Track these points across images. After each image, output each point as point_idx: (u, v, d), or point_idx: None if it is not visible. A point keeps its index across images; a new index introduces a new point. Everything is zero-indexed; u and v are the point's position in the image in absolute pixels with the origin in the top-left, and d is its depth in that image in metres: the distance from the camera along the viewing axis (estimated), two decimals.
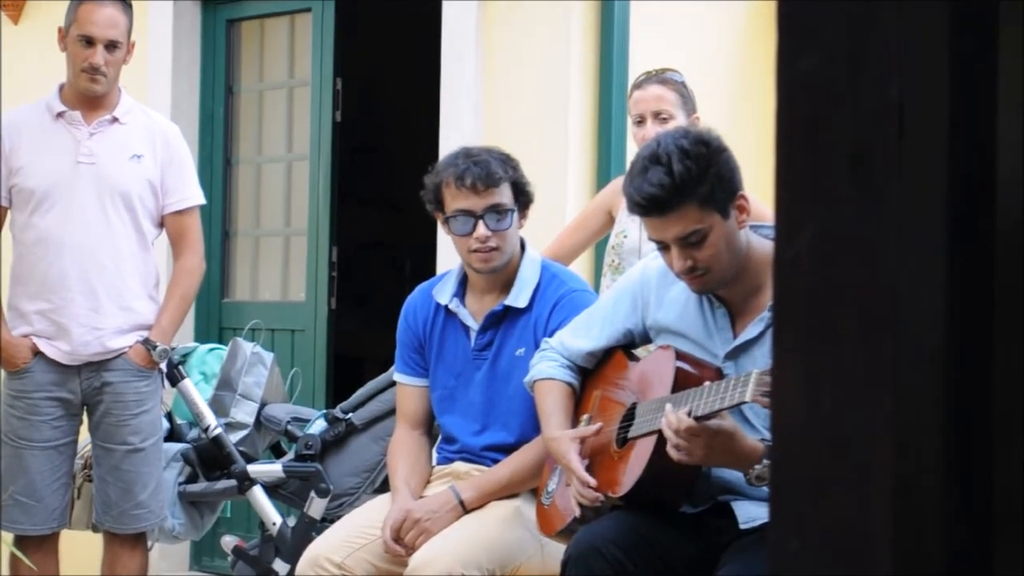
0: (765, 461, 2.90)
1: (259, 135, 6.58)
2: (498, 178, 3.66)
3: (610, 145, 5.25)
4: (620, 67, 5.27)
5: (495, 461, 3.71)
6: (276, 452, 4.84)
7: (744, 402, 2.81)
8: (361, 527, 3.69)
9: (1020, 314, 1.10)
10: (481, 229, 3.65)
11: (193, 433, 4.70)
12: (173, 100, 6.36)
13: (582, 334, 3.43)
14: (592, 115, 5.30)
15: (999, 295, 1.08)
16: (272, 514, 4.50)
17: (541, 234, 4.46)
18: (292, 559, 4.22)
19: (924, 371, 1.08)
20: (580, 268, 4.73)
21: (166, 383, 4.60)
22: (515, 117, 5.35)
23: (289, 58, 6.46)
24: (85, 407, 4.52)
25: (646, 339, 3.36)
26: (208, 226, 6.03)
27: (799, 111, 1.12)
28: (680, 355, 3.12)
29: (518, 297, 3.71)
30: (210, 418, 4.57)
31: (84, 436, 4.60)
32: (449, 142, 5.12)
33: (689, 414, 2.90)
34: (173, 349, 4.57)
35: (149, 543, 4.61)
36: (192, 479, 4.65)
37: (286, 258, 6.49)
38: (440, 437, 3.92)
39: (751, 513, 3.06)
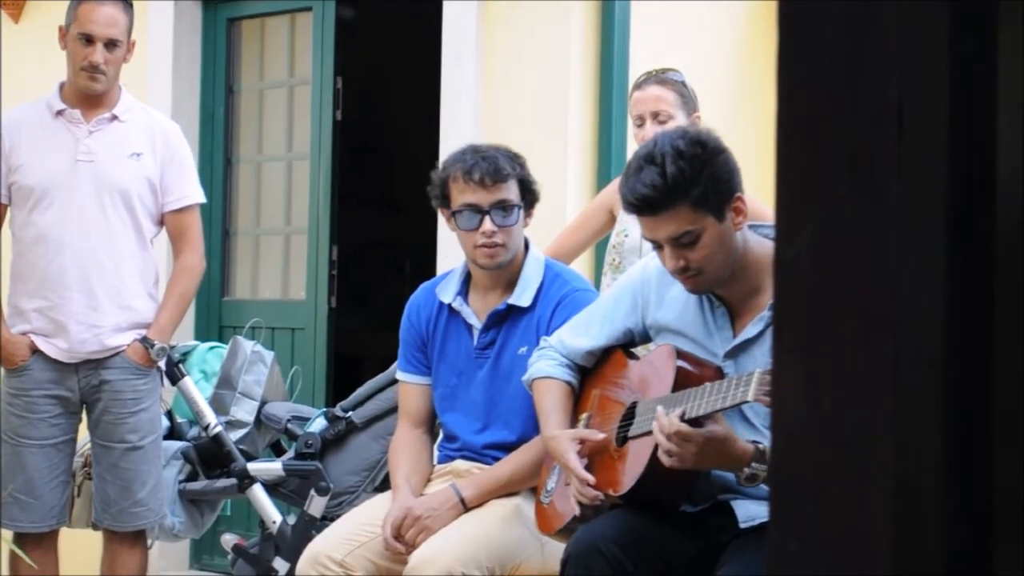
0: (754, 464, 2.91)
1: (259, 134, 6.57)
2: (506, 174, 3.67)
3: (610, 145, 5.25)
4: (620, 67, 5.27)
5: (496, 459, 3.71)
6: (276, 450, 4.84)
7: (746, 401, 2.82)
8: (361, 525, 3.70)
9: (1020, 314, 1.10)
10: (487, 224, 3.66)
11: (193, 431, 4.70)
12: (174, 99, 6.35)
13: (582, 333, 3.43)
14: (592, 115, 5.30)
15: (999, 295, 1.09)
16: (272, 512, 4.50)
17: (541, 234, 4.46)
18: (292, 557, 4.23)
19: (924, 371, 1.08)
20: (581, 267, 4.73)
21: (166, 381, 4.60)
22: (515, 117, 5.35)
23: (289, 57, 6.46)
24: (84, 405, 4.52)
25: (646, 338, 3.36)
26: (208, 225, 6.03)
27: (799, 111, 1.12)
28: (680, 354, 3.12)
29: (521, 296, 3.72)
30: (210, 416, 4.57)
31: (84, 434, 4.60)
32: (449, 143, 5.12)
33: (683, 415, 2.91)
34: (172, 347, 4.57)
35: (149, 541, 4.61)
36: (192, 477, 4.65)
37: (286, 257, 6.49)
38: (441, 435, 3.92)
39: (751, 512, 3.06)
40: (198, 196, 4.63)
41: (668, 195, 2.97)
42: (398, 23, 8.20)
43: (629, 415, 3.21)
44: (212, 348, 4.88)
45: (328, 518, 4.29)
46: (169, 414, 4.72)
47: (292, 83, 6.44)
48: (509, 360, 3.71)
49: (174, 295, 4.55)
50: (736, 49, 5.93)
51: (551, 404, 3.40)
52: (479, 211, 3.67)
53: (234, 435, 4.62)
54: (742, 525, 3.06)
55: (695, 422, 2.92)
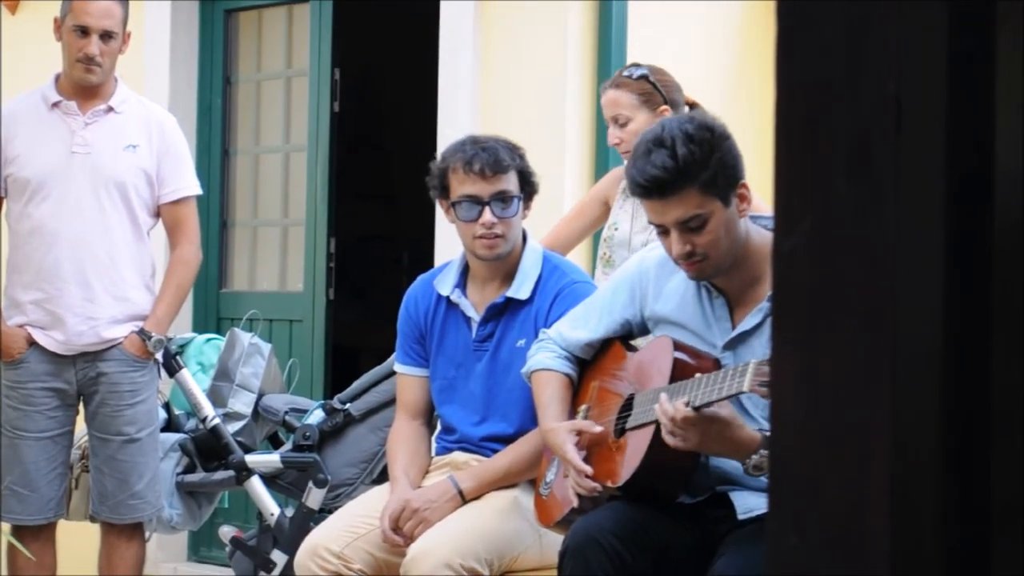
0: (762, 451, 2.90)
1: (257, 125, 6.57)
2: (506, 165, 3.67)
3: (607, 143, 5.25)
4: (618, 64, 5.26)
5: (494, 451, 3.71)
6: (274, 442, 4.84)
7: (742, 392, 2.82)
8: (360, 517, 3.70)
9: (1018, 309, 1.10)
10: (487, 215, 3.66)
11: (191, 423, 4.70)
12: (171, 90, 6.35)
13: (580, 325, 3.43)
14: (589, 111, 5.30)
15: (997, 290, 1.08)
16: (270, 504, 4.50)
17: (540, 229, 4.46)
18: (290, 549, 4.23)
19: (922, 366, 1.08)
20: (577, 259, 4.73)
21: (163, 373, 4.60)
22: (512, 110, 5.35)
23: (287, 49, 6.45)
24: (81, 397, 4.52)
25: (644, 330, 3.36)
26: (206, 216, 6.03)
27: (797, 107, 1.11)
28: (678, 345, 3.12)
29: (520, 289, 3.71)
30: (208, 408, 4.57)
31: (81, 426, 4.60)
32: (446, 135, 5.12)
33: (687, 403, 2.91)
34: (169, 339, 4.57)
35: (146, 533, 4.61)
36: (190, 469, 4.65)
37: (284, 248, 6.49)
38: (439, 427, 3.92)
39: (749, 504, 3.06)
40: (194, 188, 4.63)
41: (679, 177, 2.97)
42: (396, 15, 8.19)
43: (627, 407, 3.21)
44: (209, 340, 4.88)
45: (326, 510, 4.29)
46: (167, 406, 4.72)
47: (290, 75, 6.44)
48: (507, 352, 3.71)
49: (171, 287, 4.55)
50: (734, 45, 5.92)
51: (550, 396, 3.40)
52: (479, 202, 3.66)
53: (232, 427, 4.61)
54: (740, 516, 3.06)
55: (697, 410, 2.92)
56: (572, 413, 3.40)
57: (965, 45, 1.05)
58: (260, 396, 4.71)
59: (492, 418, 3.75)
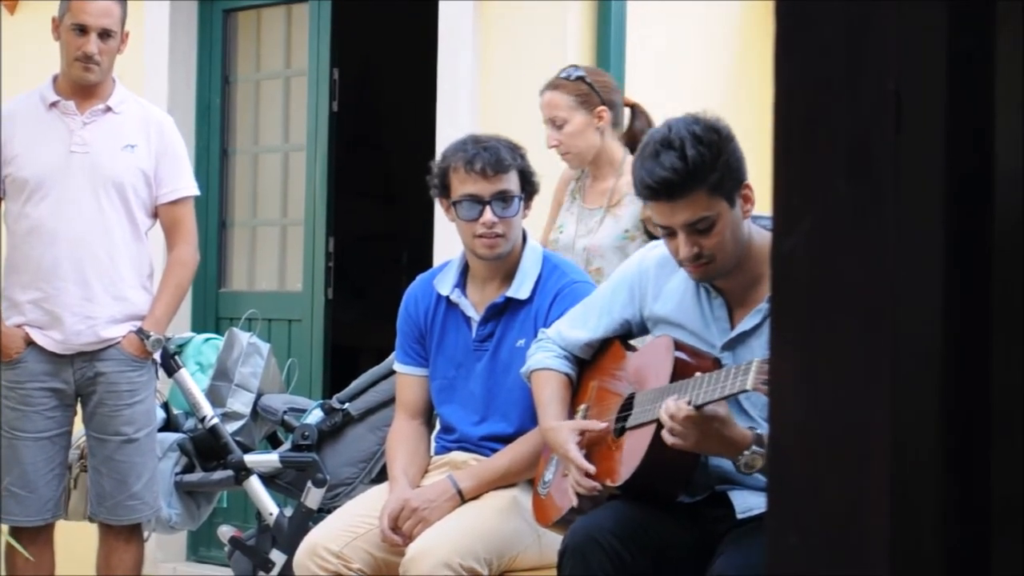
0: (754, 448, 2.90)
1: (256, 125, 6.57)
2: (507, 164, 3.67)
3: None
4: (617, 65, 5.27)
5: (493, 451, 3.71)
6: (273, 442, 4.84)
7: (745, 390, 2.81)
8: (359, 516, 3.69)
9: (1018, 308, 1.09)
10: (488, 215, 3.65)
11: (190, 423, 4.70)
12: (170, 89, 6.35)
13: (579, 324, 3.43)
14: None
15: (997, 290, 1.08)
16: (269, 504, 4.50)
17: (540, 228, 4.47)
18: (289, 549, 4.22)
19: (922, 365, 1.08)
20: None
21: (162, 373, 4.60)
22: (512, 112, 5.34)
23: (286, 48, 6.45)
24: (79, 397, 4.52)
25: (644, 329, 3.35)
26: (205, 216, 6.03)
27: (797, 106, 1.11)
28: (678, 345, 3.12)
29: (520, 288, 3.71)
30: (207, 408, 4.57)
31: (80, 427, 4.60)
32: (445, 135, 5.12)
33: (689, 402, 2.91)
34: (167, 339, 4.57)
35: (145, 534, 4.60)
36: (189, 469, 4.65)
37: (283, 248, 6.49)
38: (438, 426, 3.92)
39: (748, 503, 3.06)
40: (192, 188, 4.62)
41: (688, 179, 2.97)
42: (394, 14, 8.19)
43: (627, 406, 3.21)
44: (208, 340, 4.88)
45: (325, 510, 4.29)
46: (165, 406, 4.71)
47: (288, 74, 6.44)
48: (507, 352, 3.71)
49: (169, 287, 4.55)
50: (733, 44, 5.92)
51: (549, 396, 3.40)
52: (480, 201, 3.66)
53: (230, 427, 4.61)
54: (739, 516, 3.06)
55: (698, 410, 2.92)
56: (571, 413, 3.40)
57: (965, 45, 1.05)
58: (259, 396, 4.71)
59: (492, 418, 3.75)
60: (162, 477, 4.56)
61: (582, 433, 3.26)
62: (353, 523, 3.68)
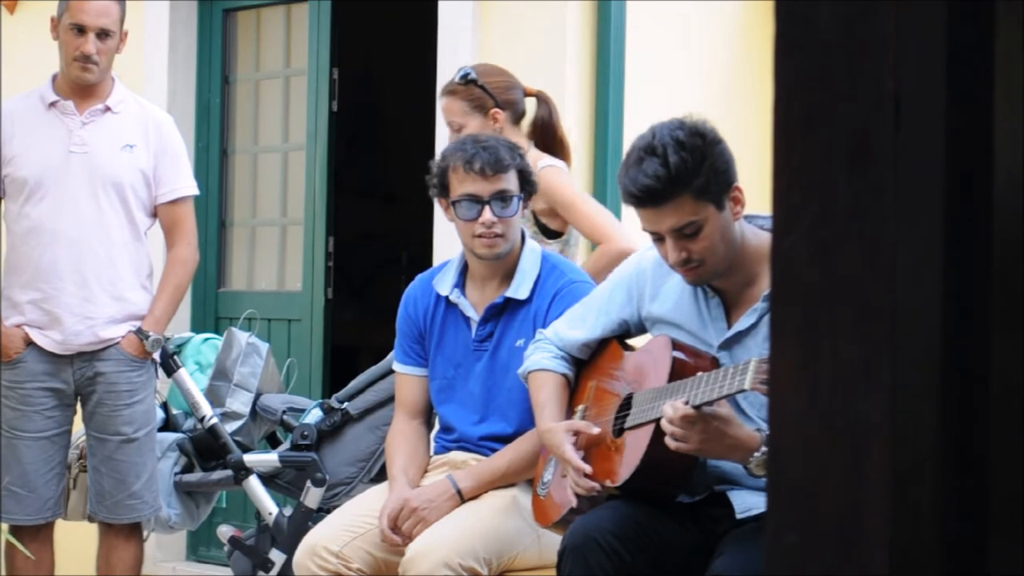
0: (764, 449, 2.90)
1: (255, 124, 6.56)
2: (506, 164, 3.67)
3: (606, 143, 5.25)
4: (617, 65, 5.27)
5: (493, 451, 3.71)
6: (272, 442, 4.84)
7: (743, 390, 2.81)
8: (358, 516, 3.69)
9: (1018, 304, 1.09)
10: (487, 214, 3.66)
11: (189, 423, 4.70)
12: (169, 89, 6.35)
13: (577, 325, 3.43)
14: (588, 111, 5.30)
15: (997, 286, 1.08)
16: (268, 504, 4.50)
17: None
18: (288, 549, 4.22)
19: (921, 363, 1.07)
20: (577, 258, 4.72)
21: (161, 373, 4.60)
22: None
23: (285, 48, 6.45)
24: (79, 397, 4.52)
25: (641, 329, 3.35)
26: (204, 215, 6.03)
27: (796, 102, 1.11)
28: (677, 345, 3.12)
29: (519, 289, 3.71)
30: (206, 408, 4.57)
31: (79, 426, 4.60)
32: (444, 134, 5.11)
33: (687, 403, 2.90)
34: (167, 339, 4.57)
35: (144, 533, 4.61)
36: (188, 469, 4.65)
37: (282, 248, 6.49)
38: (437, 426, 3.92)
39: (748, 502, 3.06)
40: (191, 188, 4.62)
41: (671, 185, 2.97)
42: (394, 14, 8.19)
43: (625, 406, 3.20)
44: (207, 340, 4.88)
45: (324, 509, 4.29)
46: (165, 406, 4.71)
47: (288, 74, 6.44)
48: (507, 352, 3.71)
49: (168, 286, 4.55)
50: (733, 43, 5.92)
51: (547, 396, 3.40)
52: (479, 201, 3.67)
53: (230, 427, 4.61)
54: (739, 515, 3.06)
55: (698, 409, 2.92)
56: (569, 413, 3.40)
57: (964, 43, 1.05)
58: (258, 396, 4.71)
59: (491, 418, 3.75)
60: (161, 477, 4.56)
61: (577, 433, 3.26)
62: (353, 523, 3.68)
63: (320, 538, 3.65)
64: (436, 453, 3.85)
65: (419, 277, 3.95)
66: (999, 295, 1.09)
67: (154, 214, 4.57)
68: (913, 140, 1.07)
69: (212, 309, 6.49)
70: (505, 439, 3.71)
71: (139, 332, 4.46)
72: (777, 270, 1.15)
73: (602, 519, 3.08)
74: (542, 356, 3.45)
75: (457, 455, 3.78)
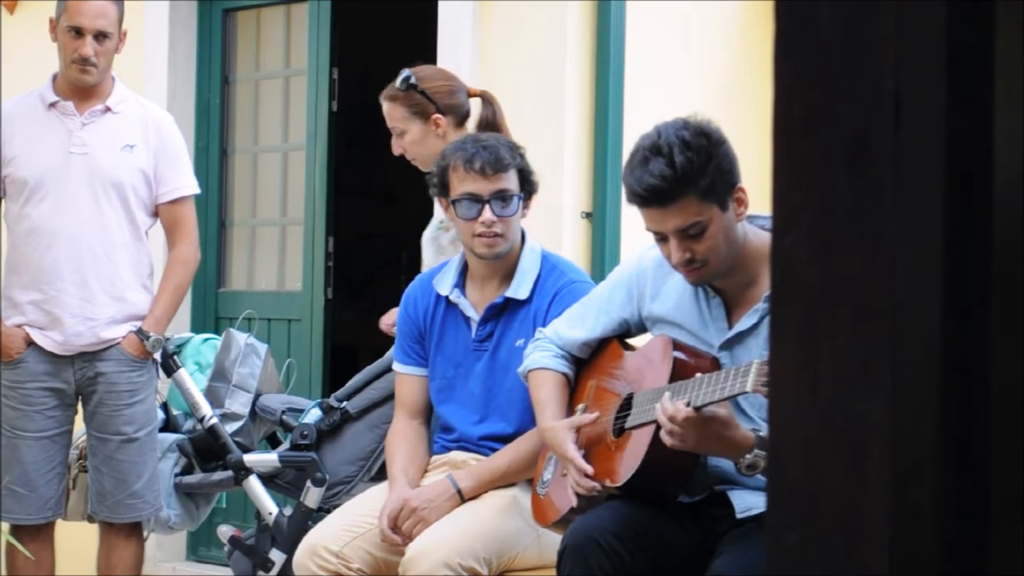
0: (756, 450, 2.90)
1: (255, 124, 6.57)
2: (506, 163, 3.67)
3: (606, 143, 5.25)
4: (617, 65, 5.27)
5: (493, 451, 3.71)
6: (272, 442, 4.84)
7: (744, 392, 2.81)
8: (358, 516, 3.70)
9: (1018, 304, 1.09)
10: (487, 214, 3.66)
11: (189, 423, 4.70)
12: (169, 89, 6.35)
13: (577, 324, 3.43)
14: (588, 111, 5.29)
15: (997, 285, 1.08)
16: (268, 504, 4.49)
17: (537, 231, 4.45)
18: (289, 549, 4.22)
19: (921, 363, 1.07)
20: (576, 259, 4.73)
21: (161, 373, 4.60)
22: (511, 113, 5.34)
23: (285, 47, 6.45)
24: (79, 397, 4.52)
25: (642, 329, 3.35)
26: (204, 215, 6.02)
27: (796, 102, 1.11)
28: (677, 345, 3.12)
29: (519, 289, 3.72)
30: (205, 408, 4.57)
31: (80, 426, 4.60)
32: None
33: (688, 404, 2.91)
34: (167, 339, 4.57)
35: (145, 533, 4.61)
36: (188, 470, 4.65)
37: (282, 248, 6.49)
38: (438, 426, 3.92)
39: (748, 502, 3.06)
40: (192, 187, 4.62)
41: (677, 185, 2.96)
42: (394, 14, 8.18)
43: (626, 406, 3.20)
44: (206, 340, 4.87)
45: (324, 509, 4.28)
46: (164, 406, 4.71)
47: (288, 73, 6.44)
48: (507, 352, 3.71)
49: (169, 286, 4.55)
50: (733, 43, 5.92)
51: (547, 395, 3.40)
52: (479, 200, 3.67)
53: (229, 427, 4.61)
54: (739, 515, 3.06)
55: (697, 411, 2.91)
56: (569, 412, 3.40)
57: (964, 43, 1.05)
58: (257, 396, 4.71)
59: (491, 418, 3.75)
60: (161, 477, 4.56)
61: (578, 430, 3.26)
62: (353, 523, 3.68)
63: (320, 538, 3.65)
64: (436, 453, 3.85)
65: (419, 277, 3.95)
66: (999, 295, 1.09)
67: (155, 213, 4.57)
68: (913, 140, 1.07)
69: (212, 309, 6.49)
70: (505, 439, 3.71)
71: (140, 332, 4.46)
72: (777, 270, 1.15)
73: (602, 519, 3.08)
74: (542, 355, 3.45)
75: (457, 455, 3.78)
